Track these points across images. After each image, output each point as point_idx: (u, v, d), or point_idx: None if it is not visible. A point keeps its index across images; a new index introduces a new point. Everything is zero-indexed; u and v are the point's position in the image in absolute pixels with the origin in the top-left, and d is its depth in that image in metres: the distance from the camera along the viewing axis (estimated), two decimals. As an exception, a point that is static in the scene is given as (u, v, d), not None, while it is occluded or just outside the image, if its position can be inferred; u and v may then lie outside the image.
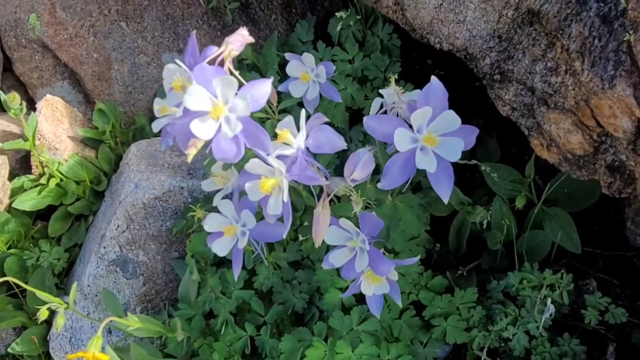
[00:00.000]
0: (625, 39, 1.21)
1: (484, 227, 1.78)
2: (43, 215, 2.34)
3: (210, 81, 1.15)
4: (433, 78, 1.23)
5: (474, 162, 1.70)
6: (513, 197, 1.79)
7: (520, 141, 1.70)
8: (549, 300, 1.60)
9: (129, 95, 2.52)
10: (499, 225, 1.79)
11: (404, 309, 1.69)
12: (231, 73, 1.20)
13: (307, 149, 1.32)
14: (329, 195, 1.33)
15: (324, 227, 1.33)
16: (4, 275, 2.14)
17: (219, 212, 1.50)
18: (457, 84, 1.99)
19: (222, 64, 1.21)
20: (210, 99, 1.16)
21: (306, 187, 1.46)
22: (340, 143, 1.31)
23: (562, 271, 1.65)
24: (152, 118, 2.45)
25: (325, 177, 1.36)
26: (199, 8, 2.46)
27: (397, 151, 1.24)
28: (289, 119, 1.30)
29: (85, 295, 2.06)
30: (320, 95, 1.77)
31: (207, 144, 1.18)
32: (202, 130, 1.15)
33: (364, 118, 1.25)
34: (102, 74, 2.49)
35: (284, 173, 1.26)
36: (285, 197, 1.27)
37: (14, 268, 2.18)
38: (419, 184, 1.79)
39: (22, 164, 2.39)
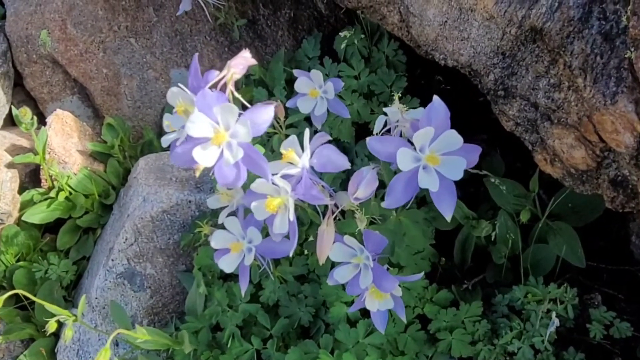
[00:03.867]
0: (626, 56, 1.22)
1: (490, 241, 1.79)
2: (52, 228, 2.37)
3: (212, 108, 1.14)
4: (435, 97, 1.23)
5: (483, 172, 1.71)
6: (518, 212, 1.80)
7: (525, 156, 1.71)
8: (553, 314, 1.60)
9: (138, 110, 2.54)
10: (504, 239, 1.79)
11: (410, 323, 1.69)
12: (234, 97, 1.19)
13: (312, 167, 1.32)
14: (334, 212, 1.34)
15: (328, 245, 1.33)
16: (13, 287, 2.16)
17: (225, 228, 1.51)
18: (462, 99, 2.01)
19: (224, 87, 1.20)
20: (212, 126, 1.15)
21: (311, 205, 1.47)
22: (343, 163, 1.31)
23: (567, 285, 1.65)
24: (160, 132, 2.50)
25: (330, 195, 1.37)
26: (206, 24, 2.49)
27: (400, 170, 1.24)
28: (293, 138, 1.31)
29: (93, 307, 2.07)
30: (328, 111, 1.79)
31: (211, 167, 1.18)
32: (204, 157, 1.15)
33: (367, 140, 1.24)
34: (111, 89, 2.52)
35: (289, 192, 1.27)
36: (292, 216, 1.28)
37: (22, 280, 2.20)
38: (423, 198, 1.79)
39: (31, 177, 2.41)
